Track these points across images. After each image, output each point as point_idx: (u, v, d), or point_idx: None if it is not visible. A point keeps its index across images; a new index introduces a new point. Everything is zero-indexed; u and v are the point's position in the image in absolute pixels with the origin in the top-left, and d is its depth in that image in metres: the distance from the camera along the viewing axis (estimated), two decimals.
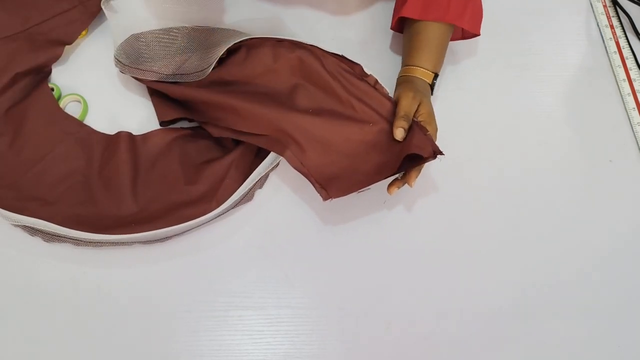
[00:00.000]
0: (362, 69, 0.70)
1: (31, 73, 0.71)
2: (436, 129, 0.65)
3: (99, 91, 0.73)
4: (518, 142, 0.74)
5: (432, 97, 0.75)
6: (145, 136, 0.69)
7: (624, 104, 0.77)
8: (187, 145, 0.69)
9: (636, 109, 0.76)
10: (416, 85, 0.67)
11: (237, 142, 0.68)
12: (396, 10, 0.72)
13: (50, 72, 0.74)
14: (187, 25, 0.73)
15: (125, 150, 0.67)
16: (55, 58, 0.74)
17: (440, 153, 0.62)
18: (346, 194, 0.62)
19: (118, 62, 0.70)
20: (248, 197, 0.67)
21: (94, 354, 0.60)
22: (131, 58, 0.70)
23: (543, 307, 0.64)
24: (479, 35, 0.72)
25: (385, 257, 0.66)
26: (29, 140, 0.68)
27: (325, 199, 0.62)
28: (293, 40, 0.70)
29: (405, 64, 0.70)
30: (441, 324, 0.63)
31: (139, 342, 0.61)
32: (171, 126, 0.71)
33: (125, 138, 0.68)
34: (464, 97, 0.76)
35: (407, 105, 0.64)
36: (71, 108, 0.73)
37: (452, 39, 0.74)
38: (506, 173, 0.71)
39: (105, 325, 0.61)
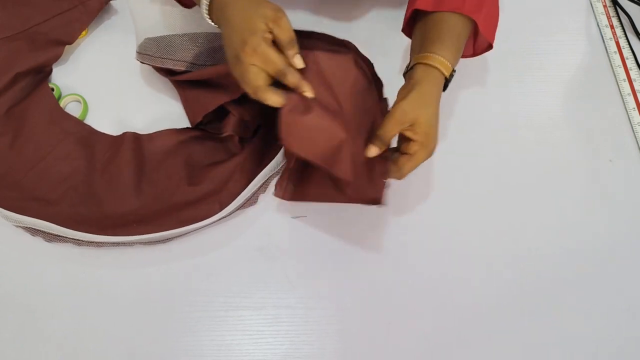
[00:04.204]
0: (382, 87, 0.65)
1: (31, 73, 0.71)
2: (433, 147, 0.59)
3: (99, 91, 0.73)
4: (518, 142, 0.74)
5: None
6: (152, 136, 0.69)
7: (624, 104, 0.77)
8: (194, 146, 0.69)
9: (636, 109, 0.76)
10: (422, 90, 0.59)
11: (243, 146, 0.68)
12: (408, 7, 0.67)
13: (50, 71, 0.74)
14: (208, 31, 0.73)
15: (130, 149, 0.67)
16: (56, 58, 0.74)
17: (379, 203, 0.60)
18: (298, 200, 0.62)
19: (143, 55, 0.69)
20: (252, 200, 0.67)
21: (94, 353, 0.60)
22: (159, 50, 0.69)
23: (542, 307, 0.64)
24: (491, 43, 0.67)
25: (385, 257, 0.66)
26: (29, 140, 0.68)
27: (276, 195, 0.62)
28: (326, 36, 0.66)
29: (422, 51, 0.62)
30: (441, 323, 0.63)
31: (139, 342, 0.61)
32: (179, 128, 0.71)
33: (130, 138, 0.68)
34: (464, 97, 0.76)
35: (391, 126, 0.57)
36: (71, 108, 0.73)
37: (464, 55, 0.69)
38: (506, 173, 0.71)
39: (106, 325, 0.61)
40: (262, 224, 0.67)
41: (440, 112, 0.73)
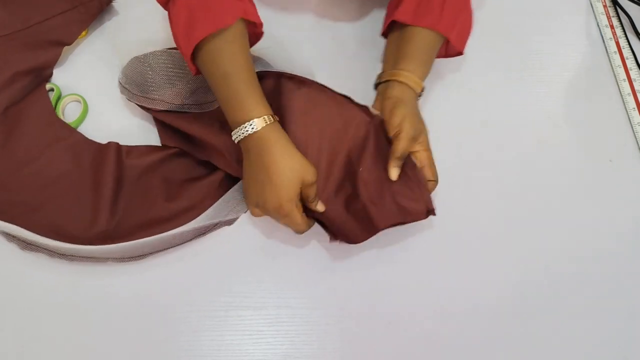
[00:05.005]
0: (368, 109, 0.66)
1: (30, 74, 0.71)
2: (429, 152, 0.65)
3: (99, 91, 0.73)
4: (518, 142, 0.74)
5: (432, 99, 0.75)
6: (131, 149, 0.68)
7: (624, 104, 0.77)
8: (173, 162, 0.68)
9: (636, 109, 0.76)
10: (408, 106, 0.64)
11: None
12: (388, 15, 0.71)
13: (50, 75, 0.73)
14: None
15: (112, 162, 0.66)
16: (55, 59, 0.73)
17: (433, 213, 0.62)
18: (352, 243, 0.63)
19: (124, 88, 0.69)
20: (229, 220, 0.66)
21: (94, 353, 0.60)
22: (138, 86, 0.69)
23: (543, 307, 0.64)
24: (462, 53, 0.70)
25: (385, 257, 0.66)
26: (20, 142, 0.67)
27: (331, 241, 0.64)
28: (302, 78, 0.67)
29: (396, 66, 0.67)
30: (441, 324, 0.63)
31: (139, 342, 0.61)
32: (158, 145, 0.70)
33: (113, 149, 0.67)
34: (464, 97, 0.76)
35: (407, 143, 0.62)
36: (71, 108, 0.73)
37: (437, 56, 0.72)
38: (506, 172, 0.71)
39: (106, 325, 0.61)
40: (263, 223, 0.67)
41: (439, 113, 0.74)
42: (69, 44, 0.74)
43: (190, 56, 0.60)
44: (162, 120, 0.69)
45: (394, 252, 0.66)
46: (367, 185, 0.63)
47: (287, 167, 0.58)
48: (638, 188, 0.72)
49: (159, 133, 0.70)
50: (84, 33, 0.76)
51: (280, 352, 0.61)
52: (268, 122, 0.58)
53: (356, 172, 0.64)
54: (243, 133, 0.58)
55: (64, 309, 0.62)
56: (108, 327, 0.61)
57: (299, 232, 0.62)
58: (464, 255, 0.66)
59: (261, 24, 0.63)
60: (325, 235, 0.66)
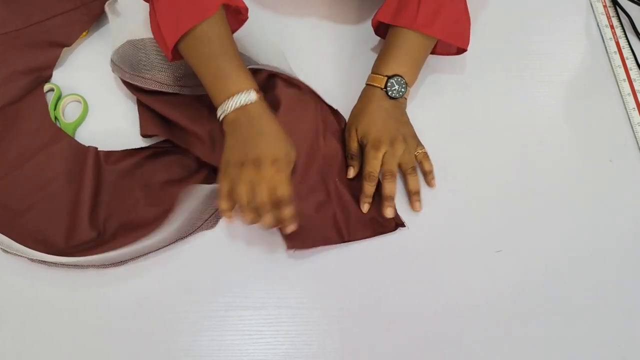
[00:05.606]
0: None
1: (29, 74, 0.70)
2: (399, 143, 0.65)
3: (99, 91, 0.73)
4: (518, 142, 0.74)
5: (432, 99, 0.74)
6: (109, 154, 0.68)
7: (624, 104, 0.77)
8: (149, 164, 0.68)
9: (636, 109, 0.76)
10: (369, 109, 0.66)
11: (201, 163, 0.67)
12: (374, 17, 0.71)
13: (49, 76, 0.73)
14: None
15: (91, 167, 0.66)
16: (54, 60, 0.73)
17: (402, 225, 0.66)
18: (307, 247, 0.64)
19: (115, 66, 0.69)
20: (209, 223, 0.66)
21: (94, 354, 0.60)
22: (131, 66, 0.69)
23: (543, 307, 0.64)
24: (465, 50, 0.71)
25: (385, 256, 0.66)
26: (13, 144, 0.67)
27: (288, 248, 0.64)
28: (293, 79, 0.68)
29: (372, 71, 0.69)
30: (441, 324, 0.63)
31: (139, 342, 0.61)
32: (132, 149, 0.69)
33: (92, 154, 0.67)
34: (465, 97, 0.76)
35: (350, 141, 0.67)
36: (71, 108, 0.73)
37: (446, 54, 0.73)
38: (506, 172, 0.71)
39: (105, 325, 0.61)
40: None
41: (439, 113, 0.74)
42: (68, 46, 0.74)
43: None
44: (146, 106, 0.69)
45: (393, 252, 0.66)
46: (340, 195, 0.67)
47: (282, 131, 0.59)
48: (638, 188, 0.72)
49: (140, 121, 0.69)
50: (84, 33, 0.76)
51: (280, 352, 0.61)
52: (260, 96, 0.60)
53: (329, 181, 0.67)
54: (237, 103, 0.58)
55: (63, 309, 0.62)
56: (107, 327, 0.61)
57: (284, 196, 0.57)
58: (463, 255, 0.66)
59: (246, 9, 0.64)
60: None
